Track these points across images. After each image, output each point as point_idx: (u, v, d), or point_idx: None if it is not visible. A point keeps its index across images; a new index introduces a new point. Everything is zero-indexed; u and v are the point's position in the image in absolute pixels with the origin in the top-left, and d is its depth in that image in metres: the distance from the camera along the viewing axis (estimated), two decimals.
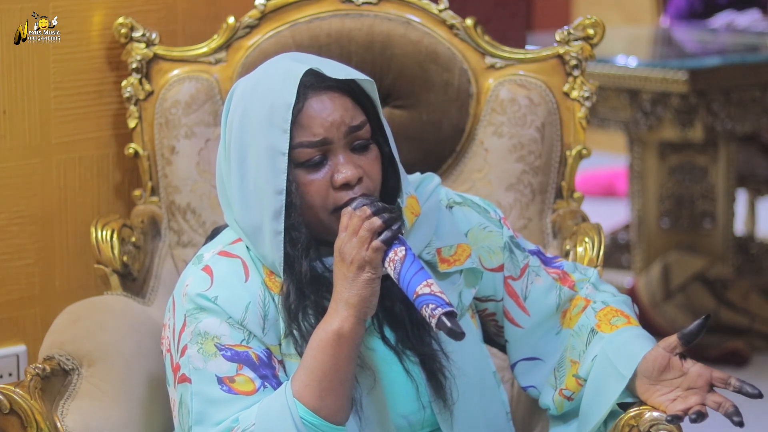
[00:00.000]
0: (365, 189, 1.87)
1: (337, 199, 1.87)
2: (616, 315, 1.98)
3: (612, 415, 1.91)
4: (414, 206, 1.96)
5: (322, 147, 1.86)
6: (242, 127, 1.88)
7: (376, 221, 1.81)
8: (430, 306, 1.76)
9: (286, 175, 1.84)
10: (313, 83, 1.87)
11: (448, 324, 1.74)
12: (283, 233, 1.85)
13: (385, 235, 1.81)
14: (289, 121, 1.84)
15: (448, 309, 1.75)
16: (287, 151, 1.84)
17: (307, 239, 1.87)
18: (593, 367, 1.93)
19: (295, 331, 1.87)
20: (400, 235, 1.82)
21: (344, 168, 1.86)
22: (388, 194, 1.93)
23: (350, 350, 1.82)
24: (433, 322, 1.76)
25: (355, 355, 1.83)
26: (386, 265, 1.82)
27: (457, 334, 1.74)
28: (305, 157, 1.86)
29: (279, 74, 1.88)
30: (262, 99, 1.86)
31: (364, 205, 1.83)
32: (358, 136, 1.88)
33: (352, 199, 1.86)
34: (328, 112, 1.86)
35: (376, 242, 1.80)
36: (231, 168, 1.89)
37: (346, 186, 1.86)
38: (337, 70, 1.89)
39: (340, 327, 1.81)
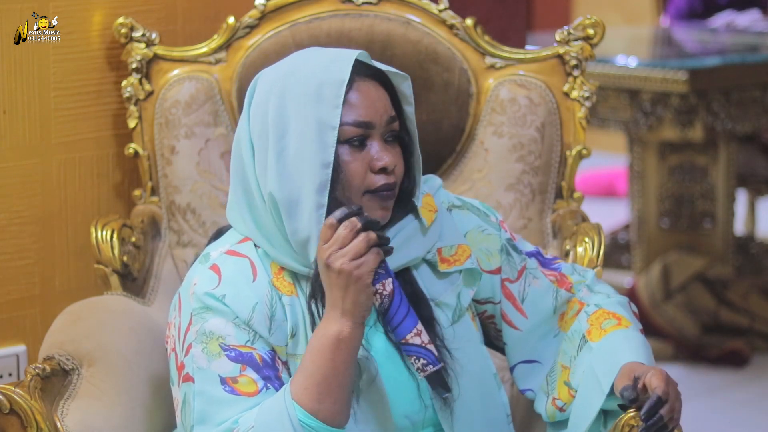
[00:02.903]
0: (397, 177, 1.91)
1: (372, 182, 1.89)
2: (607, 318, 1.99)
3: (612, 415, 1.91)
4: (431, 204, 1.99)
5: (366, 130, 1.89)
6: (282, 104, 1.89)
7: (372, 235, 1.82)
8: (421, 360, 1.81)
9: (334, 149, 1.86)
10: (360, 68, 1.91)
11: (436, 383, 1.83)
12: (326, 207, 1.87)
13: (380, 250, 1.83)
14: (342, 97, 1.87)
15: (438, 367, 1.82)
16: (338, 126, 1.87)
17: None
18: (582, 379, 1.95)
19: (316, 306, 1.88)
20: (385, 263, 1.83)
21: (384, 154, 1.89)
22: (402, 192, 1.95)
23: (349, 354, 1.82)
24: (421, 375, 1.82)
25: (354, 359, 1.84)
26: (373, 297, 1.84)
27: (443, 392, 1.82)
28: (349, 134, 1.88)
29: (327, 56, 1.91)
30: (309, 77, 1.89)
31: (350, 215, 1.83)
32: (393, 128, 1.92)
33: (379, 191, 1.89)
34: (375, 97, 1.90)
35: (370, 254, 1.81)
36: (269, 144, 1.89)
37: (384, 170, 1.89)
38: (382, 63, 1.94)
39: (339, 331, 1.81)
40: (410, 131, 1.96)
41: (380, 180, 1.89)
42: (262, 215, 1.92)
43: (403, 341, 1.81)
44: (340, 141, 1.88)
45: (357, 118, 1.88)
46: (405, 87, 1.94)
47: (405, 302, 1.83)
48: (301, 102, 1.88)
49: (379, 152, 1.89)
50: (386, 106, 1.91)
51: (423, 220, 1.97)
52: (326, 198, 1.86)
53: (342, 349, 1.81)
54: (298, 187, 1.87)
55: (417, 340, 1.80)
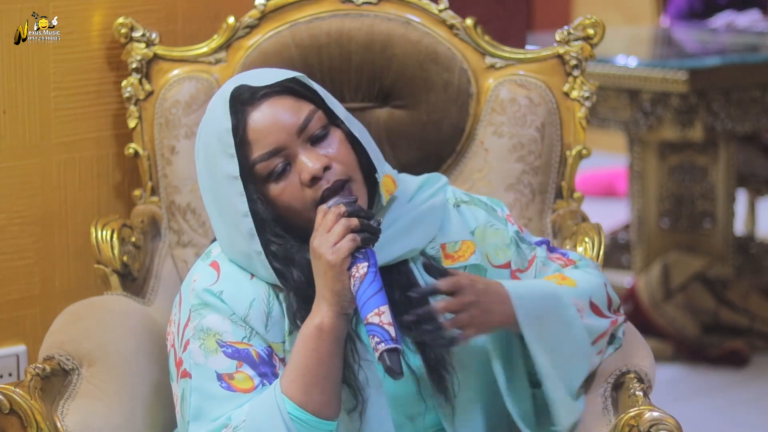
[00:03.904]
0: (338, 174, 1.87)
1: (314, 195, 1.87)
2: (555, 278, 2.00)
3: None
4: (389, 185, 1.95)
5: (279, 154, 1.87)
6: (205, 164, 1.90)
7: (354, 221, 1.81)
8: (375, 339, 1.77)
9: (245, 197, 1.85)
10: (248, 98, 1.88)
11: (387, 362, 1.75)
12: (263, 252, 1.87)
13: (360, 236, 1.81)
14: (233, 146, 1.85)
15: (391, 346, 1.76)
16: (239, 175, 1.85)
17: (284, 250, 1.88)
18: None
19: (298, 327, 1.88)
20: (368, 249, 1.81)
21: (307, 162, 1.86)
22: (363, 172, 1.92)
23: (332, 344, 1.82)
24: (376, 355, 1.77)
25: (338, 349, 1.84)
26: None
27: (394, 374, 1.75)
28: (267, 170, 1.87)
29: (217, 102, 1.90)
30: (211, 131, 1.89)
31: (340, 204, 1.83)
32: (311, 128, 1.89)
33: (329, 197, 1.86)
34: (271, 120, 1.87)
35: (346, 241, 1.80)
36: (208, 204, 1.92)
37: (315, 179, 1.86)
38: (263, 77, 1.90)
39: (320, 322, 1.82)
40: (337, 114, 1.92)
41: (319, 188, 1.87)
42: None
43: (365, 322, 1.78)
44: (263, 179, 1.87)
45: (264, 150, 1.87)
46: (306, 81, 1.91)
47: (376, 285, 1.79)
48: (213, 158, 1.88)
49: (303, 163, 1.87)
50: (293, 112, 1.88)
51: (382, 197, 1.93)
52: (258, 245, 1.86)
53: (324, 340, 1.82)
54: (239, 240, 1.88)
55: (375, 320, 1.76)
